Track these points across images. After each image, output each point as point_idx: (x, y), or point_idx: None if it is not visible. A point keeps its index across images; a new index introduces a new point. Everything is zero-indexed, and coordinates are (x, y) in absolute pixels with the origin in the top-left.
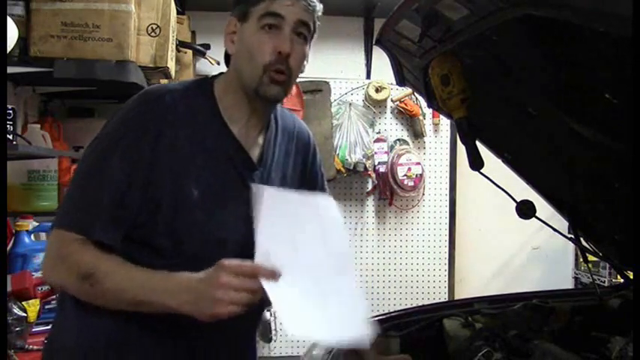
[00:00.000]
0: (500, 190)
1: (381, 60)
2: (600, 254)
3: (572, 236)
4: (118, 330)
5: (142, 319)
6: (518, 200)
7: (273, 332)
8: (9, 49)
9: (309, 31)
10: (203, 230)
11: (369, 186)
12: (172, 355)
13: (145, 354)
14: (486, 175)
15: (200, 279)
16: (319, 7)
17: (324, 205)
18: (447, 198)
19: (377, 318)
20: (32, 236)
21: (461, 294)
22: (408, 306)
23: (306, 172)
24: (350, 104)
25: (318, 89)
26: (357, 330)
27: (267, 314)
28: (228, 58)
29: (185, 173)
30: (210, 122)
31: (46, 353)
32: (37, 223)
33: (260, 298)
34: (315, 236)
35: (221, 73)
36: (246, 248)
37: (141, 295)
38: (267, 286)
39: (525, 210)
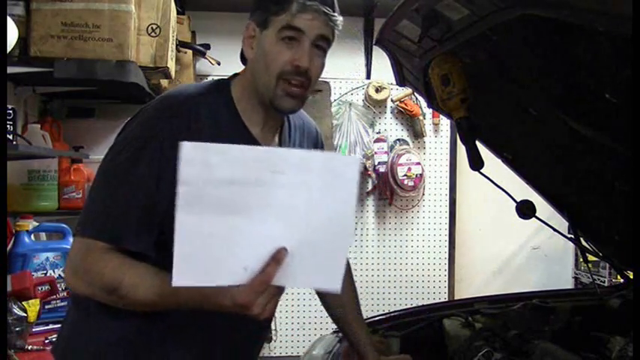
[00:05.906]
0: (500, 190)
1: (381, 60)
2: (600, 254)
3: (572, 236)
4: (139, 331)
5: (165, 320)
6: (518, 200)
7: (273, 332)
8: (9, 49)
9: (329, 43)
10: None
11: (369, 186)
12: (191, 356)
13: (165, 355)
14: (486, 175)
15: (233, 307)
16: (340, 19)
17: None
18: (447, 198)
19: (377, 318)
20: (32, 236)
21: (461, 294)
22: (408, 306)
23: None
24: (350, 104)
25: (318, 89)
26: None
27: None
28: (243, 58)
29: None
30: (231, 125)
31: (59, 353)
32: (37, 223)
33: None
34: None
35: (235, 75)
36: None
37: (171, 305)
38: (278, 278)
39: (525, 210)
